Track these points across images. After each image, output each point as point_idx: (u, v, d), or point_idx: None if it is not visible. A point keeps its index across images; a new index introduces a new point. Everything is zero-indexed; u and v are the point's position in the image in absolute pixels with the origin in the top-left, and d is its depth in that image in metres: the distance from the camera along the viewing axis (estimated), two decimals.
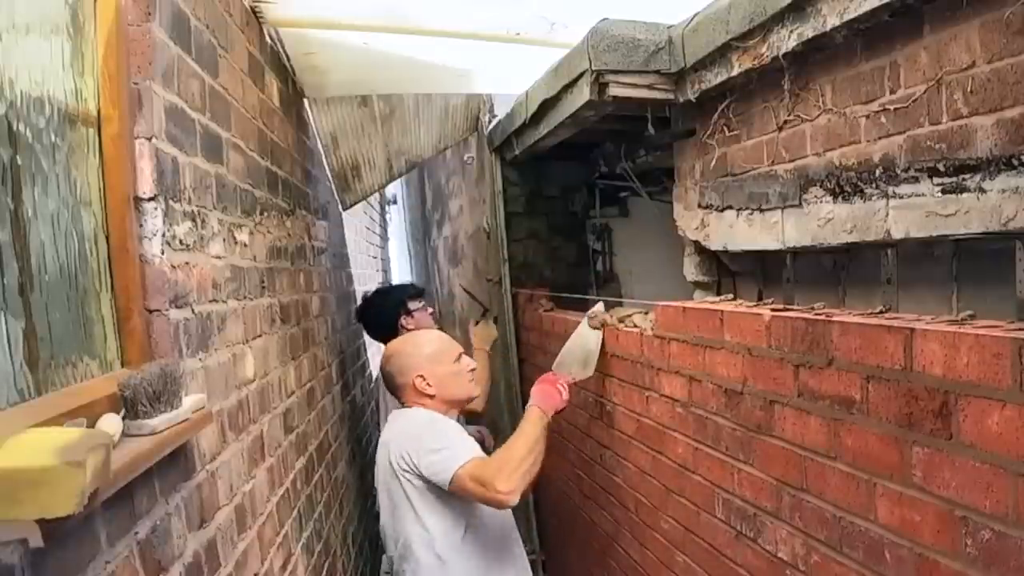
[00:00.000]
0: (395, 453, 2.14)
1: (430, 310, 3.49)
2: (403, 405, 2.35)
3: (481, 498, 2.00)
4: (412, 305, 3.36)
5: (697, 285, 2.57)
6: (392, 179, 4.08)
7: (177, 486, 1.21)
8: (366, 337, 4.13)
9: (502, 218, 3.87)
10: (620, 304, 3.07)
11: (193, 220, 1.37)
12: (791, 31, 1.71)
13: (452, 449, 2.07)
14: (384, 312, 3.38)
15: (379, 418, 3.34)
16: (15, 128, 0.93)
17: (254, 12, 2.05)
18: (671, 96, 2.31)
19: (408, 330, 3.25)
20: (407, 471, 2.10)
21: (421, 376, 2.27)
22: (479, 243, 4.38)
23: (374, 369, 4.54)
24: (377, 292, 3.68)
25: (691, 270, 2.56)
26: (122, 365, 1.16)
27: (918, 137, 1.49)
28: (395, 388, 2.36)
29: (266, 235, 1.96)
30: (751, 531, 1.72)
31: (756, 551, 1.70)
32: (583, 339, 2.53)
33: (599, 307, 2.58)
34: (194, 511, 1.27)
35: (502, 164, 3.87)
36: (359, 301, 3.70)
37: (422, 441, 2.11)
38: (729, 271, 2.50)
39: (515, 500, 1.97)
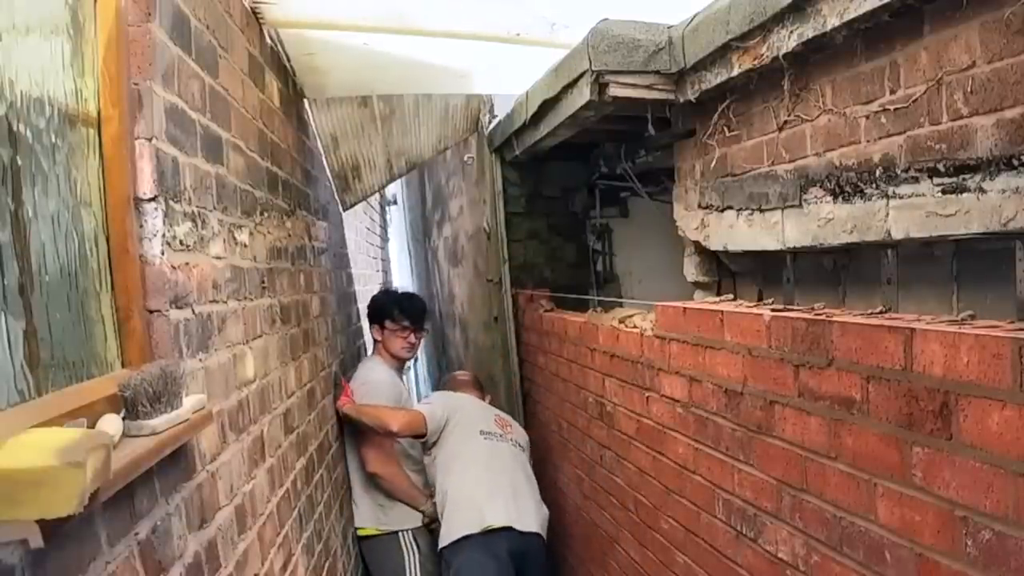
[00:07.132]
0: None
1: (411, 340, 3.35)
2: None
3: None
4: (389, 324, 3.34)
5: (697, 285, 2.57)
6: (392, 179, 4.07)
7: (177, 486, 1.21)
8: (367, 338, 4.12)
9: (502, 218, 3.87)
10: (620, 304, 3.07)
11: (193, 221, 1.37)
12: (791, 31, 1.71)
13: None
14: (371, 311, 3.47)
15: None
16: (15, 128, 0.92)
17: (254, 12, 2.05)
18: (671, 96, 2.31)
19: (375, 340, 3.43)
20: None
21: None
22: (479, 243, 4.37)
23: None
24: (393, 293, 3.68)
25: (691, 270, 2.56)
26: (122, 365, 1.16)
27: (918, 137, 1.49)
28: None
29: (266, 235, 1.96)
30: (751, 531, 1.72)
31: (756, 551, 1.70)
32: None
33: None
34: (194, 511, 1.27)
35: (502, 164, 3.87)
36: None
37: None
38: (729, 271, 2.50)
39: None
